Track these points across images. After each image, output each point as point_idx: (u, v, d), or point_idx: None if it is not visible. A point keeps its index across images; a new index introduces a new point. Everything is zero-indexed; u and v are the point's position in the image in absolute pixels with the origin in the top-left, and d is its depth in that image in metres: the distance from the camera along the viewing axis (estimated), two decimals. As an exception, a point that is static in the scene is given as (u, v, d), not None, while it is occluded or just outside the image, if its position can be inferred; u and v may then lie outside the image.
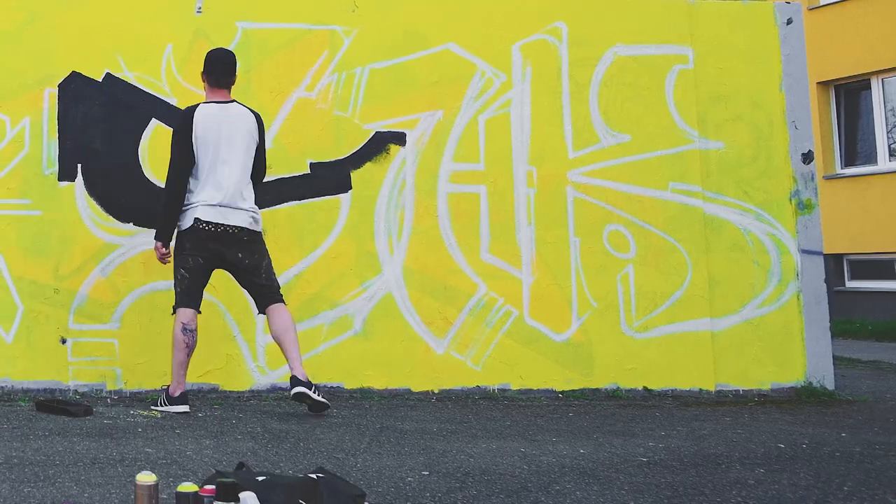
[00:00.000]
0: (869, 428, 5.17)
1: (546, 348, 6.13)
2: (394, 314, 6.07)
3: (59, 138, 6.03)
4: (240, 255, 5.37)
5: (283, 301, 5.44)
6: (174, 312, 5.45)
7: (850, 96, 13.30)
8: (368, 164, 6.11)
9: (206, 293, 5.94)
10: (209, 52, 5.50)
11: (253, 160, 5.37)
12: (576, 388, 6.13)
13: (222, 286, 6.00)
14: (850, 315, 12.42)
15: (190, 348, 5.37)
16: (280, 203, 6.05)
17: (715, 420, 5.39)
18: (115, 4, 6.11)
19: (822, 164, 12.83)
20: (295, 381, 5.26)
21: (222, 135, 5.28)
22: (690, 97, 6.24)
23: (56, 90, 6.03)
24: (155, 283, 6.01)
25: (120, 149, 6.07)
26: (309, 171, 6.11)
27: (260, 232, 5.45)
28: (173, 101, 6.04)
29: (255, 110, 5.46)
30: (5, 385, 6.00)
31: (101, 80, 6.06)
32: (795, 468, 4.10)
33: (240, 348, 6.04)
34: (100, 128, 6.07)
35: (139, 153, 6.06)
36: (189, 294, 5.38)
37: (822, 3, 13.45)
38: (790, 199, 6.29)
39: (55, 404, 5.56)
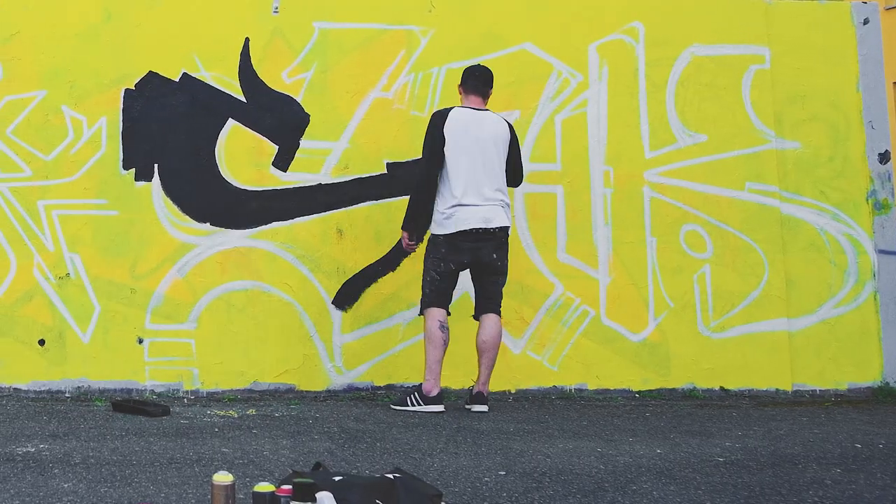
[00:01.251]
0: (948, 428, 5.17)
1: (623, 348, 6.08)
2: (470, 314, 5.99)
3: (135, 138, 5.99)
4: (495, 255, 5.43)
5: (499, 313, 5.50)
6: (422, 313, 5.50)
7: (926, 96, 13.20)
8: (445, 164, 6.12)
9: (283, 293, 5.98)
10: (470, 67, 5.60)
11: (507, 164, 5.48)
12: (652, 388, 6.07)
13: (299, 286, 6.01)
14: (927, 315, 12.26)
15: (446, 345, 5.39)
16: (357, 203, 5.99)
17: (791, 420, 5.34)
18: (193, 4, 6.04)
19: (899, 163, 12.70)
20: (479, 397, 5.44)
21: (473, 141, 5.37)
22: (767, 97, 6.17)
23: (133, 90, 5.98)
24: (231, 283, 5.98)
25: (197, 149, 5.99)
26: (386, 171, 6.08)
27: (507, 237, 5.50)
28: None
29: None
30: (82, 385, 5.96)
31: (177, 80, 6.00)
32: (872, 468, 4.06)
33: (316, 348, 6.01)
34: (177, 128, 6.01)
35: (216, 153, 6.01)
36: (439, 294, 5.43)
37: (898, 3, 13.35)
38: (867, 199, 6.24)
39: (132, 404, 5.54)
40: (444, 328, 5.41)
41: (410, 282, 6.05)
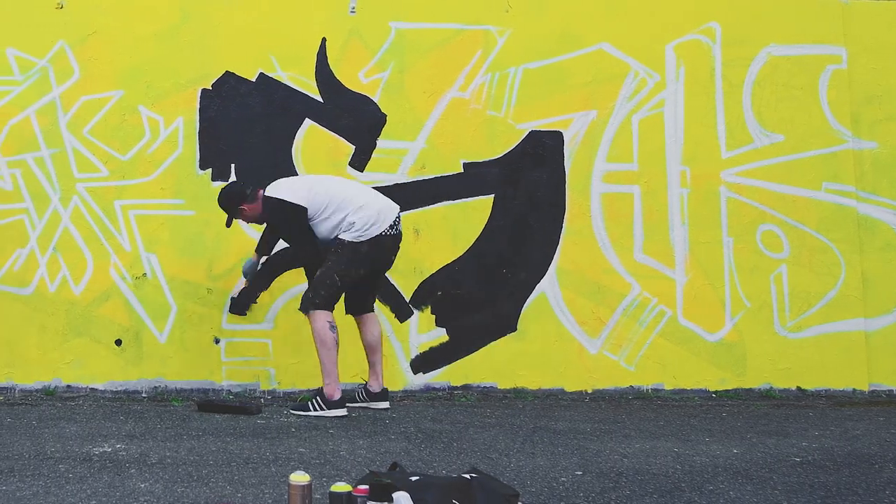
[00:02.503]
0: None
1: (699, 348, 6.01)
2: (547, 314, 5.96)
3: (212, 138, 5.94)
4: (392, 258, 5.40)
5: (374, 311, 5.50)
6: (307, 313, 5.26)
7: None
8: (523, 164, 6.03)
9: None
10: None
11: None
12: (729, 388, 6.00)
13: (376, 286, 6.00)
14: None
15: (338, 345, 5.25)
16: (434, 203, 5.96)
17: (868, 420, 5.29)
18: (270, 4, 5.98)
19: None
20: (383, 394, 5.44)
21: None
22: (844, 97, 6.10)
23: (210, 90, 5.95)
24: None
25: (274, 149, 5.94)
26: (463, 171, 6.03)
27: None
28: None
29: None
30: (159, 385, 5.92)
31: (254, 80, 5.94)
32: (951, 468, 4.04)
33: (393, 348, 5.95)
34: (253, 128, 5.95)
35: (293, 153, 5.97)
36: (336, 298, 5.24)
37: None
38: (944, 200, 6.25)
39: (219, 403, 5.51)
40: (333, 328, 5.17)
41: (494, 283, 6.00)
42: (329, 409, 5.21)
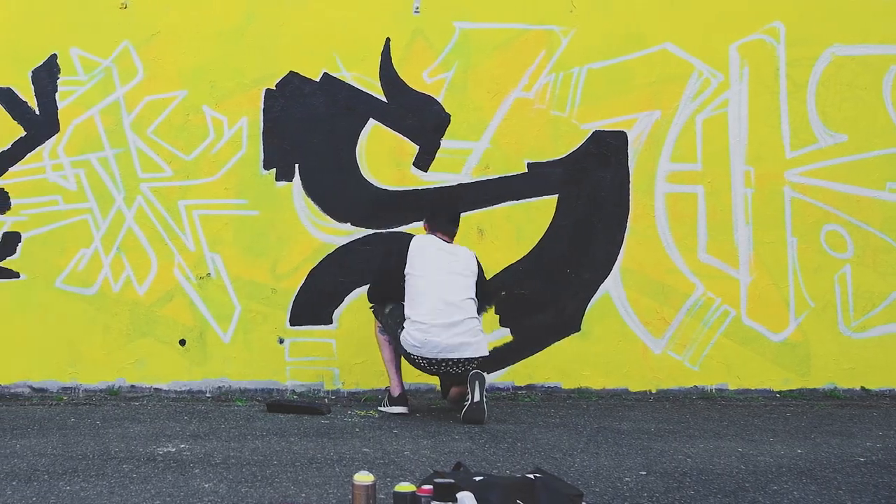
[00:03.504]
0: None
1: (763, 348, 5.97)
2: (611, 314, 5.92)
3: (276, 138, 5.90)
4: None
5: None
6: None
7: None
8: (586, 164, 5.99)
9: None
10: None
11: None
12: (793, 388, 5.97)
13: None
14: None
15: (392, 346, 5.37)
16: (498, 203, 5.91)
17: None
18: (334, 5, 5.92)
19: None
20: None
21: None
22: (908, 97, 6.06)
23: (274, 90, 5.90)
24: (372, 284, 6.03)
25: (338, 149, 5.91)
26: (526, 171, 5.98)
27: None
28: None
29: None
30: (223, 385, 5.89)
31: (318, 80, 5.90)
32: None
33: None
34: (317, 128, 5.91)
35: (357, 153, 5.94)
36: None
37: None
38: None
39: (287, 404, 5.48)
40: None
41: (557, 283, 5.99)
42: (390, 405, 5.39)
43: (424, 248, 5.25)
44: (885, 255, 6.04)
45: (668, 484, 3.70)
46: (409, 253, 5.24)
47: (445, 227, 5.38)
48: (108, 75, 5.92)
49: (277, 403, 5.47)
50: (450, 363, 5.12)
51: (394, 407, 5.35)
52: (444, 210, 5.52)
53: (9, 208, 5.86)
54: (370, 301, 5.46)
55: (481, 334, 5.20)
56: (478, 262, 5.35)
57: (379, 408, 5.45)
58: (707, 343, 6.00)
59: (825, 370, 6.01)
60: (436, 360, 5.11)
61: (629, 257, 6.01)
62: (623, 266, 6.01)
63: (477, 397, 5.05)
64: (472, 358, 5.11)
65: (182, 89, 5.92)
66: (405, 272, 5.23)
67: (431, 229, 5.39)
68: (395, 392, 5.37)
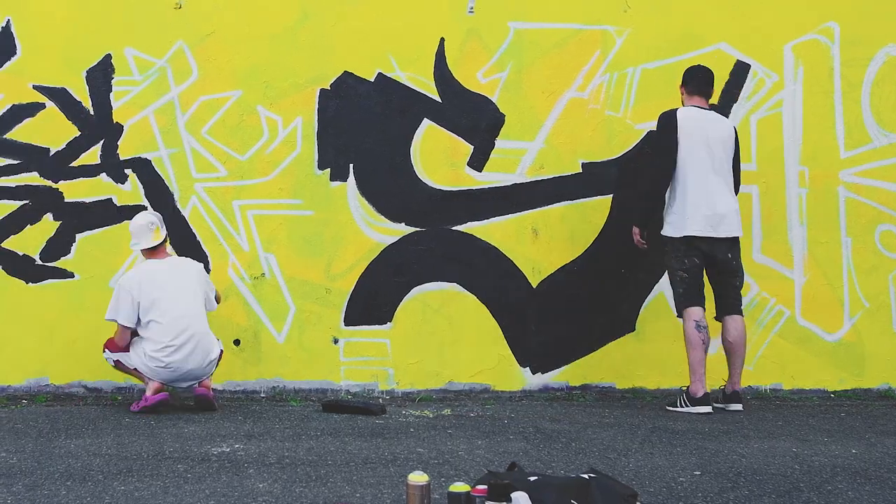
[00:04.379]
0: None
1: (818, 348, 5.94)
2: (666, 314, 5.87)
3: (330, 138, 5.88)
4: (730, 255, 5.45)
5: (742, 313, 5.52)
6: (680, 315, 5.47)
7: None
8: (640, 164, 5.90)
9: (472, 293, 5.97)
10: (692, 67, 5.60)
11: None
12: (847, 388, 5.94)
13: (494, 286, 6.00)
14: None
15: (706, 345, 5.35)
16: (552, 203, 5.88)
17: None
18: (388, 4, 5.89)
19: None
20: (734, 396, 5.47)
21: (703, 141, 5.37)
22: (963, 97, 5.98)
23: (328, 90, 5.88)
24: (427, 284, 5.91)
25: (392, 149, 5.89)
26: (581, 171, 5.95)
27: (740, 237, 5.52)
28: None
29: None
30: (277, 385, 5.86)
31: (372, 80, 5.88)
32: None
33: (511, 349, 5.99)
34: (372, 128, 5.88)
35: (411, 153, 5.92)
36: (692, 292, 5.38)
37: None
38: None
39: (343, 404, 5.46)
40: (700, 327, 5.31)
41: (612, 283, 6.00)
42: (692, 405, 5.36)
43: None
44: (940, 256, 6.04)
45: (722, 484, 3.68)
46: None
47: (703, 88, 5.50)
48: (162, 75, 5.89)
49: (333, 403, 5.47)
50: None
51: (700, 407, 5.37)
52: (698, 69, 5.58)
53: (63, 208, 5.84)
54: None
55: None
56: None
57: (672, 408, 5.48)
58: (761, 343, 5.98)
59: (880, 370, 5.99)
60: None
61: (684, 257, 6.00)
62: (677, 266, 6.00)
63: None
64: None
65: (236, 89, 5.88)
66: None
67: (689, 93, 5.51)
68: (700, 392, 5.37)
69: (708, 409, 5.32)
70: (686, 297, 5.38)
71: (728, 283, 5.47)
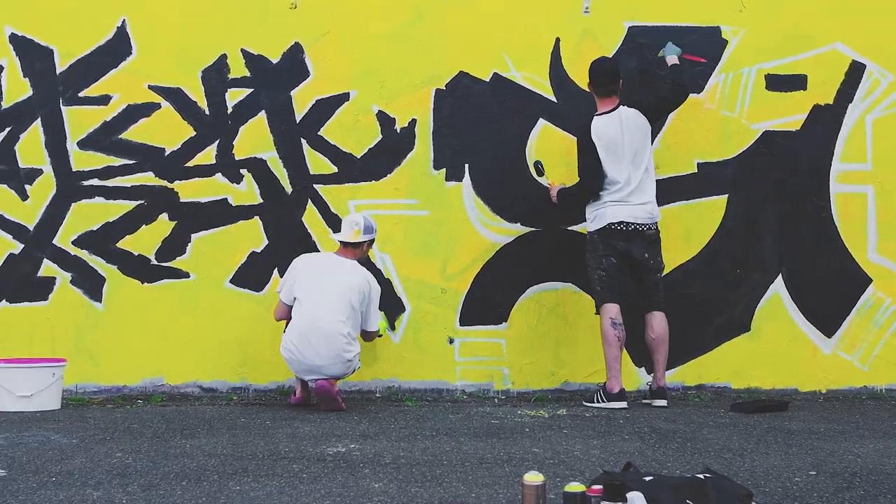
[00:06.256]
0: None
1: (935, 348, 5.82)
2: (781, 314, 5.83)
3: (446, 138, 5.83)
4: (646, 254, 5.45)
5: (664, 310, 5.48)
6: (598, 312, 5.49)
7: None
8: (756, 164, 5.93)
9: (587, 293, 5.95)
10: (592, 63, 5.57)
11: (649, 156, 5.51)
12: (963, 388, 5.83)
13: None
14: None
15: (621, 342, 5.36)
16: (668, 203, 5.78)
17: None
18: (503, 4, 5.83)
19: None
20: (659, 392, 5.52)
21: (617, 139, 5.44)
22: None
23: (444, 89, 5.83)
24: (542, 284, 5.87)
25: (508, 149, 5.83)
26: (696, 171, 5.91)
27: (658, 231, 5.51)
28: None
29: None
30: (392, 385, 5.80)
31: (488, 80, 5.83)
32: None
33: (626, 349, 6.01)
34: (487, 128, 5.82)
35: (527, 153, 5.85)
36: (610, 289, 5.42)
37: None
38: None
39: (758, 403, 5.46)
40: (615, 325, 5.36)
41: (727, 283, 5.96)
42: (608, 401, 5.42)
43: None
44: None
45: (837, 484, 3.61)
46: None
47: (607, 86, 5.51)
48: (277, 75, 5.86)
49: (743, 404, 5.43)
50: None
51: (615, 402, 5.44)
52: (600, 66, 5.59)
53: (178, 208, 5.83)
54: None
55: None
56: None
57: (588, 403, 5.56)
58: (877, 343, 5.93)
59: None
60: None
61: (799, 257, 5.96)
62: (793, 266, 5.95)
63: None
64: None
65: (352, 89, 5.86)
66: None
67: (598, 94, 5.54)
68: (616, 388, 5.45)
69: (623, 404, 5.39)
70: (603, 295, 5.47)
71: (649, 280, 5.52)
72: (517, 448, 4.31)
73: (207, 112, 5.83)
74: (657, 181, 5.68)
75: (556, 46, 5.90)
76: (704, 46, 5.94)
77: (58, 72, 5.80)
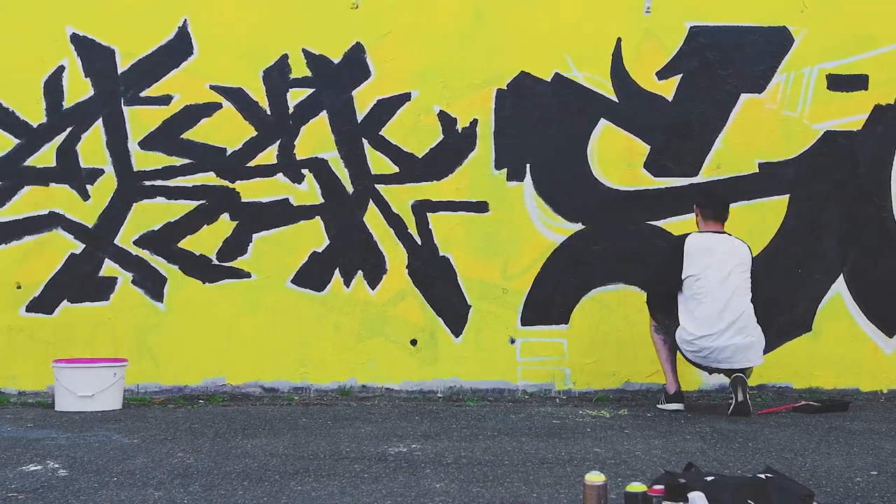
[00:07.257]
0: None
1: None
2: (842, 314, 5.80)
3: (507, 138, 5.80)
4: None
5: None
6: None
7: None
8: (818, 164, 5.91)
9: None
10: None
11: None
12: None
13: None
14: None
15: (667, 345, 5.36)
16: (730, 202, 5.63)
17: None
18: (564, 4, 5.81)
19: None
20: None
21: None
22: None
23: (505, 89, 5.80)
24: (604, 285, 5.86)
25: (569, 149, 5.81)
26: (758, 171, 5.89)
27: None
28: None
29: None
30: (454, 385, 5.79)
31: (549, 80, 5.80)
32: None
33: (688, 349, 5.99)
34: (548, 127, 5.79)
35: (588, 153, 5.84)
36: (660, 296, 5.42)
37: None
38: None
39: (822, 404, 5.42)
40: (659, 329, 5.40)
41: (789, 283, 5.96)
42: (667, 402, 5.43)
43: (702, 249, 5.25)
44: None
45: None
46: (685, 252, 5.25)
47: (719, 211, 5.34)
48: (339, 75, 5.85)
49: (806, 406, 5.41)
50: (722, 369, 5.17)
51: (670, 404, 5.34)
52: (715, 195, 5.49)
53: (240, 208, 5.83)
54: (648, 302, 5.40)
55: (759, 339, 5.15)
56: (750, 252, 5.29)
57: (657, 405, 5.44)
58: (947, 346, 5.93)
59: None
60: (709, 366, 5.16)
61: (861, 257, 5.93)
62: (854, 266, 5.93)
63: (741, 397, 5.08)
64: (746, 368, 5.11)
65: (413, 89, 5.84)
66: (684, 275, 5.22)
67: (705, 217, 5.32)
68: (672, 389, 5.33)
69: (679, 406, 5.40)
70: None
71: None
72: (578, 448, 4.29)
73: (269, 112, 5.81)
74: (720, 181, 5.65)
75: (617, 46, 5.88)
76: (765, 46, 5.88)
77: (119, 72, 5.77)
